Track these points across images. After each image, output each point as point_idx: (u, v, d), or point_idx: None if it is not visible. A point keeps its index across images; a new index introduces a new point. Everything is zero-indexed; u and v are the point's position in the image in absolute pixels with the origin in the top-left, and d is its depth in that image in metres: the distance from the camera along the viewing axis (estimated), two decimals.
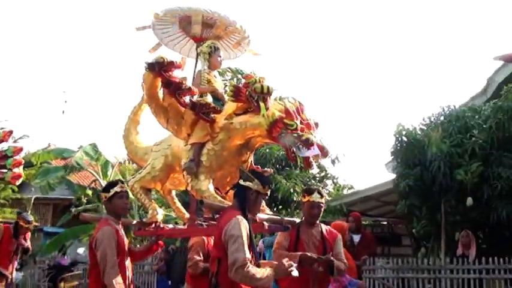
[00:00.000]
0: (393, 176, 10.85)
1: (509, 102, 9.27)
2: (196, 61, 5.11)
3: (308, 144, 4.04)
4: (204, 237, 5.70)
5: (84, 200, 17.63)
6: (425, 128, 10.48)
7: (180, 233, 5.81)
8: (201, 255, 5.57)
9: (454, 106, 10.84)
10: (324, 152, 4.21)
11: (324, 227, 5.19)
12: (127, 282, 4.52)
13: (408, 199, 9.80)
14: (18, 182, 8.86)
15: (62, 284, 11.83)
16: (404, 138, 10.17)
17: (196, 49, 5.09)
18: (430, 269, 9.44)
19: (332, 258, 4.80)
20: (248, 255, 3.55)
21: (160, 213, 4.99)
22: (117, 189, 4.53)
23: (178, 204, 5.42)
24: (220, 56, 5.00)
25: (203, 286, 5.48)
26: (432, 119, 10.60)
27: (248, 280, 3.55)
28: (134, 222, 5.20)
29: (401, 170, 10.17)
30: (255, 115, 4.32)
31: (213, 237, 5.91)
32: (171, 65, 4.43)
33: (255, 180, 3.88)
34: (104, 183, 15.90)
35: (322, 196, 5.07)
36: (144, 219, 5.14)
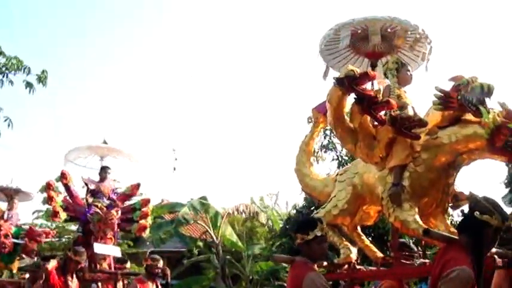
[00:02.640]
0: None
1: None
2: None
3: None
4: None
5: (195, 252, 17.48)
6: None
7: (382, 274, 4.67)
8: None
9: None
10: None
11: None
12: None
13: None
14: (144, 234, 8.85)
15: None
16: None
17: (371, 66, 4.49)
18: None
19: None
20: None
21: (354, 253, 4.27)
22: (317, 232, 3.69)
23: (367, 241, 4.61)
24: (409, 71, 4.31)
25: None
26: None
27: None
28: (325, 264, 4.34)
29: None
30: (466, 125, 3.59)
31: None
32: (365, 77, 3.76)
33: (495, 214, 2.92)
34: (213, 234, 15.85)
35: None
36: (335, 260, 4.40)
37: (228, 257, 15.70)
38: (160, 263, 6.65)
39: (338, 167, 12.17)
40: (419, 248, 4.68)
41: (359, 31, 4.44)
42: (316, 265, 3.66)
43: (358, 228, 4.55)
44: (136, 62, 41.99)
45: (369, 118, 3.93)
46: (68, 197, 8.01)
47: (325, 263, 4.26)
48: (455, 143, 3.64)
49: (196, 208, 15.95)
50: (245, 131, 41.32)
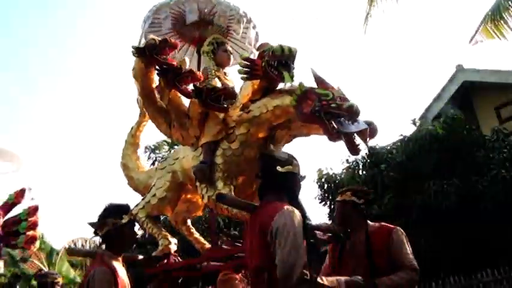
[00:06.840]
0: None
1: (417, 134, 9.40)
2: (199, 66, 4.11)
3: (353, 112, 2.87)
4: None
5: None
6: (344, 171, 10.56)
7: (201, 260, 4.14)
8: None
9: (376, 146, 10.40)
10: (372, 128, 3.04)
11: (372, 226, 3.29)
12: None
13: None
14: (34, 247, 7.21)
15: None
16: (326, 184, 10.32)
17: (197, 53, 4.07)
18: None
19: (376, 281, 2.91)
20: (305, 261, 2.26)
21: (173, 243, 3.81)
22: (130, 216, 3.13)
23: (197, 234, 4.21)
24: (226, 51, 4.00)
25: None
26: (349, 161, 10.57)
27: None
28: (140, 257, 3.84)
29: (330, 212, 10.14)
30: (276, 95, 3.22)
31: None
32: (165, 45, 3.35)
33: (294, 162, 2.62)
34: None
35: (343, 194, 3.36)
36: (154, 253, 3.90)
37: None
38: None
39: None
40: None
41: (178, 12, 4.14)
42: (121, 257, 3.06)
43: (189, 221, 4.15)
44: None
45: (180, 95, 3.51)
46: None
47: (141, 257, 3.75)
48: (266, 114, 3.26)
49: None
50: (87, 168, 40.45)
